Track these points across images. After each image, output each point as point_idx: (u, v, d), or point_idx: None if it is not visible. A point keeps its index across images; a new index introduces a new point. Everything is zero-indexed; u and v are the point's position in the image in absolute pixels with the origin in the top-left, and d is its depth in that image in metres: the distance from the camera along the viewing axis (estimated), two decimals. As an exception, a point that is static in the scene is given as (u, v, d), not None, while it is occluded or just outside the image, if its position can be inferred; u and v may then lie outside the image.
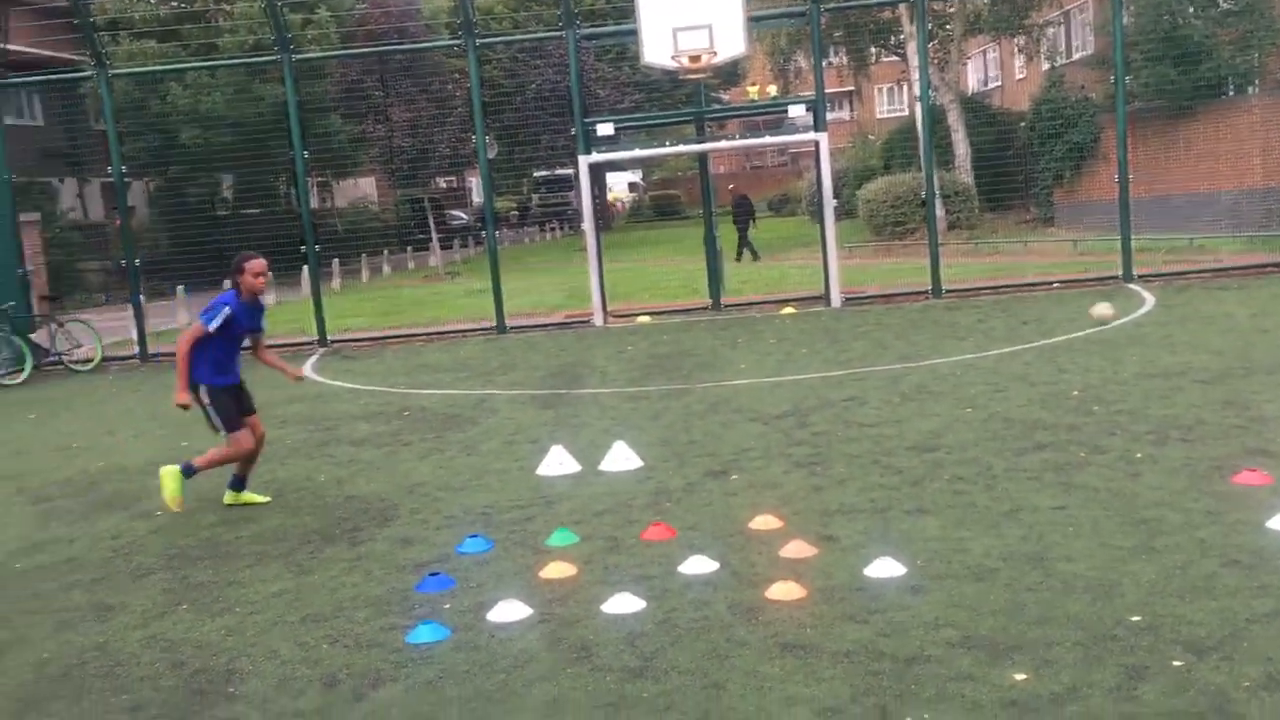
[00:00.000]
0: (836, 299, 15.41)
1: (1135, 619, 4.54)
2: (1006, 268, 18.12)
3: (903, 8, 26.58)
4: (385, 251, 31.78)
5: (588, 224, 15.95)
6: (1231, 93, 22.71)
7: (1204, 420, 7.56)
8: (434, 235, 30.45)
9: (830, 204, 15.40)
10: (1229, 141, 21.36)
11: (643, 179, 65.53)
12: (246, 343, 7.63)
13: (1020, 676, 4.13)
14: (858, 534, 5.93)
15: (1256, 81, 23.21)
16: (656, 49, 14.42)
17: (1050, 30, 32.01)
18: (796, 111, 15.47)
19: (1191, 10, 22.15)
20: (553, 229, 45.78)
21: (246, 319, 7.47)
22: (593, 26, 18.17)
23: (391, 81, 28.61)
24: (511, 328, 16.19)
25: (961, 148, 26.73)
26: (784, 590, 5.17)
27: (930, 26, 26.71)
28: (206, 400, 7.33)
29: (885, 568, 5.33)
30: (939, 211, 26.25)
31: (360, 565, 6.15)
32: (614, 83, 37.81)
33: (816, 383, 10.18)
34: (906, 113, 50.92)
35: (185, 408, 7.27)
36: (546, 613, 5.19)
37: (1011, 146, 25.91)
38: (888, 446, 7.67)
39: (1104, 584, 4.94)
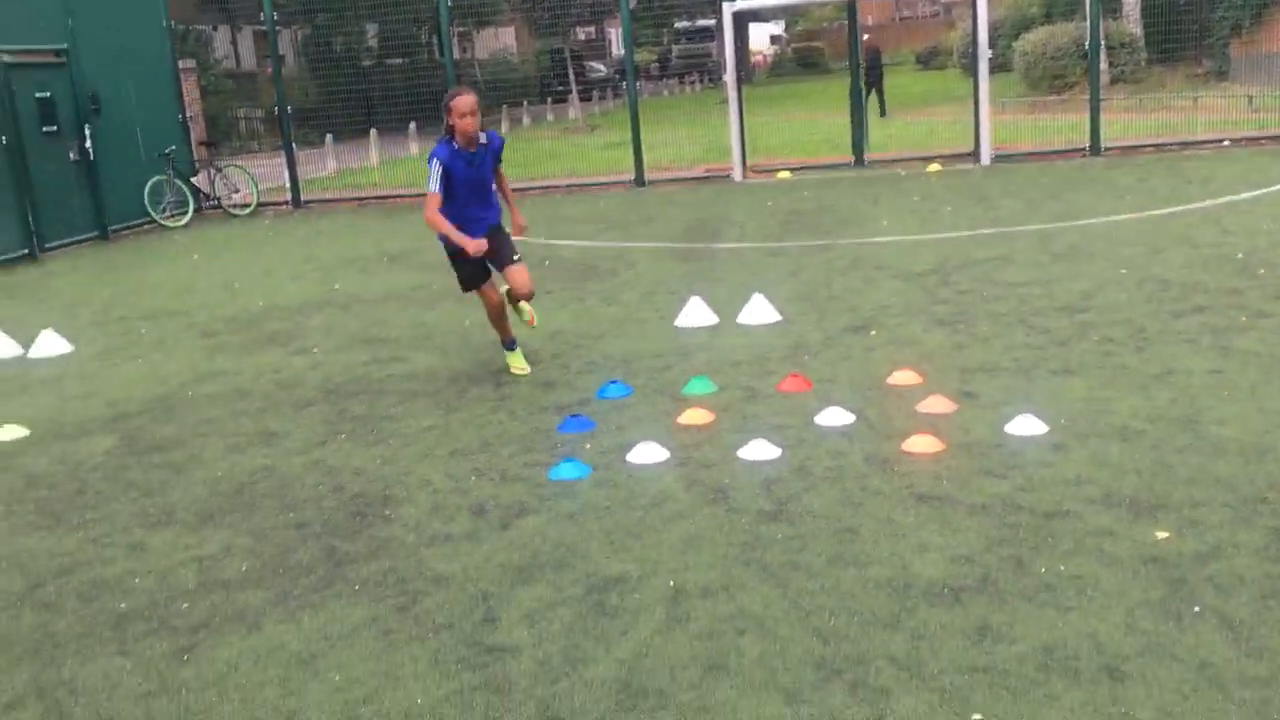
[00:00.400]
0: (987, 156, 14.84)
1: (1289, 484, 4.41)
2: (1173, 125, 17.10)
3: None
4: (525, 103, 31.77)
5: (729, 76, 15.63)
6: None
7: (1381, 286, 7.14)
8: (573, 87, 30.25)
9: (985, 55, 14.69)
10: None
11: (785, 31, 63.46)
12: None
13: (1163, 535, 4.09)
14: (999, 392, 5.86)
15: None
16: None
17: None
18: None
19: None
20: (692, 82, 44.94)
21: (465, 167, 6.48)
22: None
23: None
24: (650, 181, 16.14)
25: (1132, -3, 25.01)
26: (921, 443, 5.18)
27: None
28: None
29: (1026, 425, 5.27)
30: (1102, 64, 24.82)
31: (505, 405, 6.38)
32: (760, -72, 36.36)
33: (962, 241, 9.92)
34: (1071, -42, 47.77)
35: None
36: (684, 456, 5.32)
37: (1187, -7, 24.11)
38: (1035, 306, 7.48)
39: (1258, 447, 4.80)
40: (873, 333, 7.22)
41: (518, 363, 7.03)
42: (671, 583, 4.06)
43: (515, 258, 6.83)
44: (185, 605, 4.22)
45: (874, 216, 11.65)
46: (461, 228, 6.43)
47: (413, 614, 3.99)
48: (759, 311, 7.82)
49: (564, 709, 3.32)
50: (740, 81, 15.88)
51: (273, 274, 11.37)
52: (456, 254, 6.62)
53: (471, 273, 6.78)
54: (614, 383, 6.51)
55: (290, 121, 17.46)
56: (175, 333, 8.99)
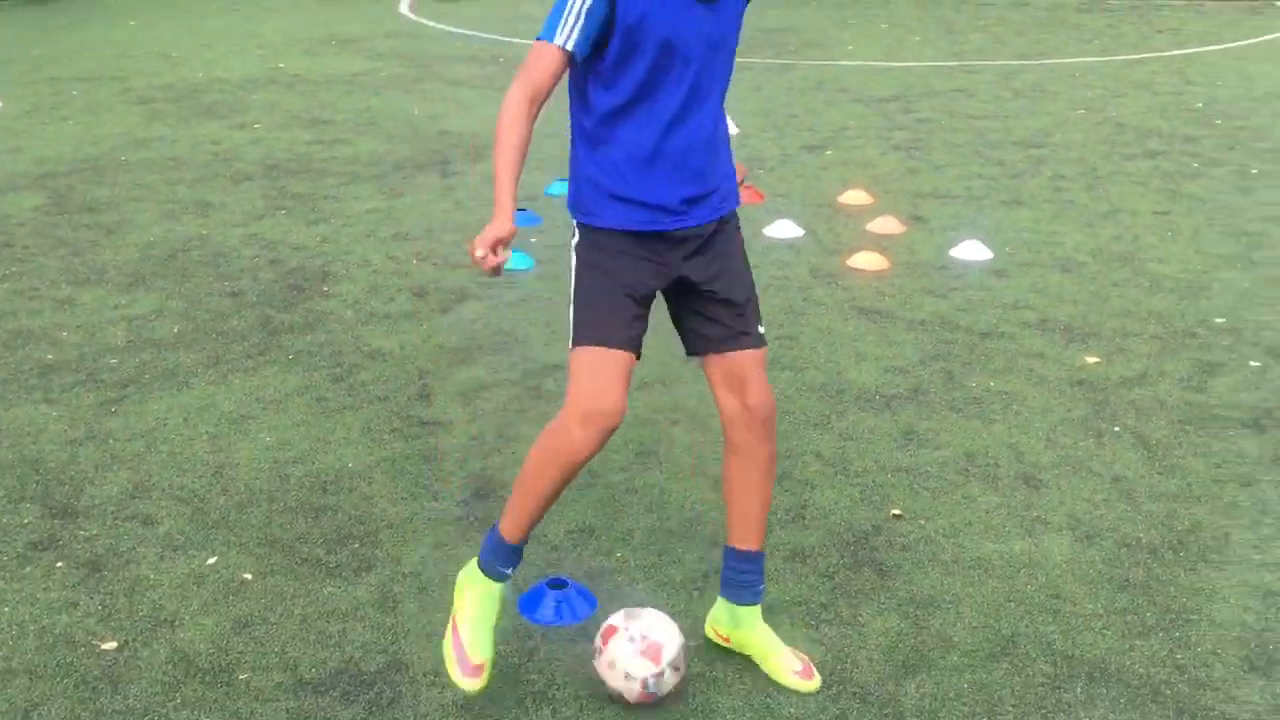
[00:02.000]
0: None
1: (1219, 320, 4.50)
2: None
3: None
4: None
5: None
6: None
7: (1332, 145, 7.18)
8: (540, -117, 28.83)
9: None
10: None
11: None
12: None
13: (1092, 359, 4.17)
14: (948, 217, 5.86)
15: None
16: None
17: None
18: None
19: None
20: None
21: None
22: None
23: None
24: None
25: None
26: (866, 260, 5.19)
27: None
28: None
29: (972, 250, 5.29)
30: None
31: (451, 194, 6.25)
32: None
33: (926, 71, 9.75)
34: None
35: None
36: (630, 255, 5.27)
37: None
38: (992, 139, 7.42)
39: (1193, 286, 4.87)
40: (829, 153, 7.13)
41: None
42: (608, 372, 4.07)
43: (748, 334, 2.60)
44: (114, 360, 4.17)
45: (841, 40, 11.37)
46: (620, 174, 2.46)
47: (347, 385, 3.98)
48: (716, 123, 7.67)
49: (495, 481, 3.36)
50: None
51: (214, 47, 10.88)
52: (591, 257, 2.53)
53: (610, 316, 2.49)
54: (562, 180, 6.35)
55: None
56: (109, 97, 8.62)
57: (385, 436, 3.62)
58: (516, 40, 11.46)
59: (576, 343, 2.45)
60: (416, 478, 3.38)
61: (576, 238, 2.55)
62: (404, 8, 13.87)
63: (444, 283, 4.94)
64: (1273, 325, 4.45)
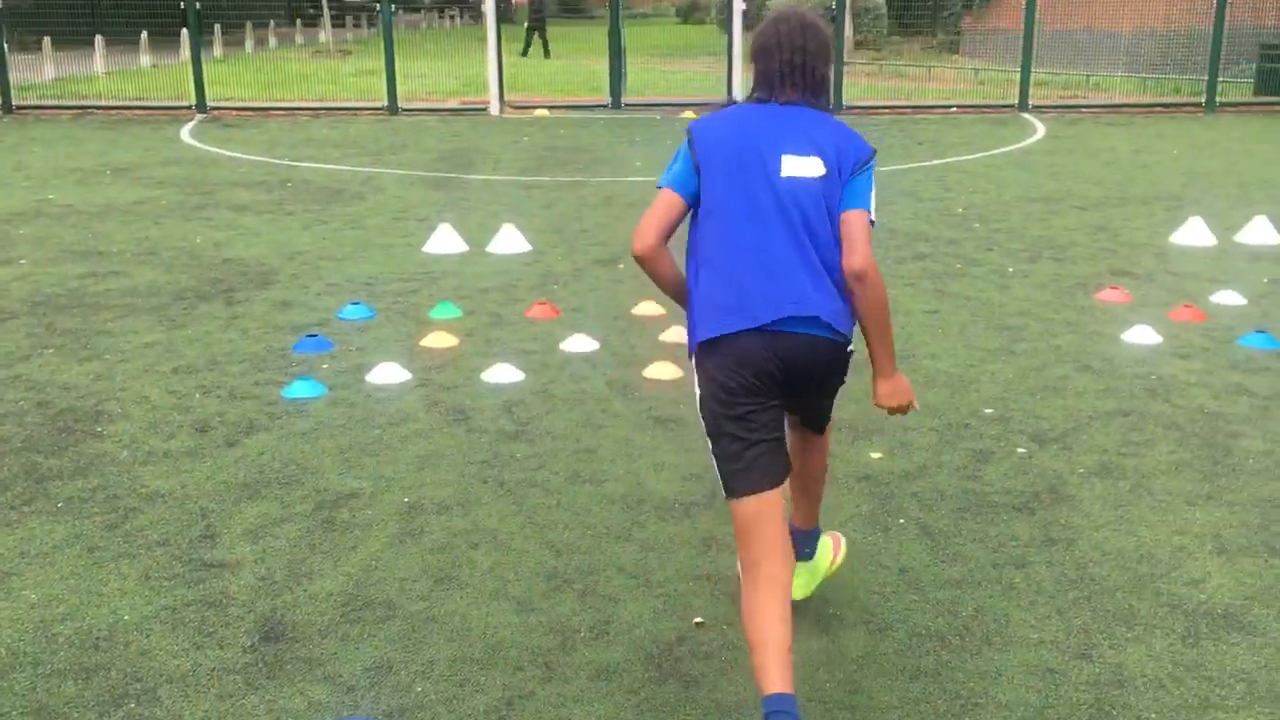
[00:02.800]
0: (737, 106, 15.23)
1: (989, 411, 4.78)
2: (907, 90, 18.12)
3: None
4: (271, 23, 30.13)
5: (488, 9, 15.32)
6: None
7: (1076, 242, 7.82)
8: (326, 10, 28.92)
9: (740, 9, 15.03)
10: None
11: (550, -28, 62.87)
12: None
13: (876, 455, 4.35)
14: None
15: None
16: None
17: None
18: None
19: None
20: (452, 16, 43.91)
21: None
22: None
23: None
24: (404, 110, 15.67)
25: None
26: (661, 370, 5.29)
27: None
28: None
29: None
30: (847, 30, 25.95)
31: (236, 324, 6.06)
32: None
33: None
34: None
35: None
36: (425, 378, 5.22)
37: (926, -32, 25.51)
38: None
39: (964, 380, 5.17)
40: (620, 266, 7.30)
41: None
42: (406, 499, 3.99)
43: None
44: None
45: (628, 157, 11.76)
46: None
47: (122, 531, 3.75)
48: (509, 241, 7.76)
49: (286, 622, 3.21)
50: (499, 18, 15.57)
51: (-24, 181, 10.34)
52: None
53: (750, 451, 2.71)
54: (355, 303, 6.31)
55: (2, 21, 15.84)
56: None
57: (165, 583, 3.41)
58: (304, 164, 11.35)
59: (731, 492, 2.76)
60: (199, 625, 3.19)
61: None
62: (185, 134, 13.56)
63: (229, 416, 4.76)
64: (1035, 413, 4.75)
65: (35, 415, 4.75)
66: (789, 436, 2.98)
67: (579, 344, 5.69)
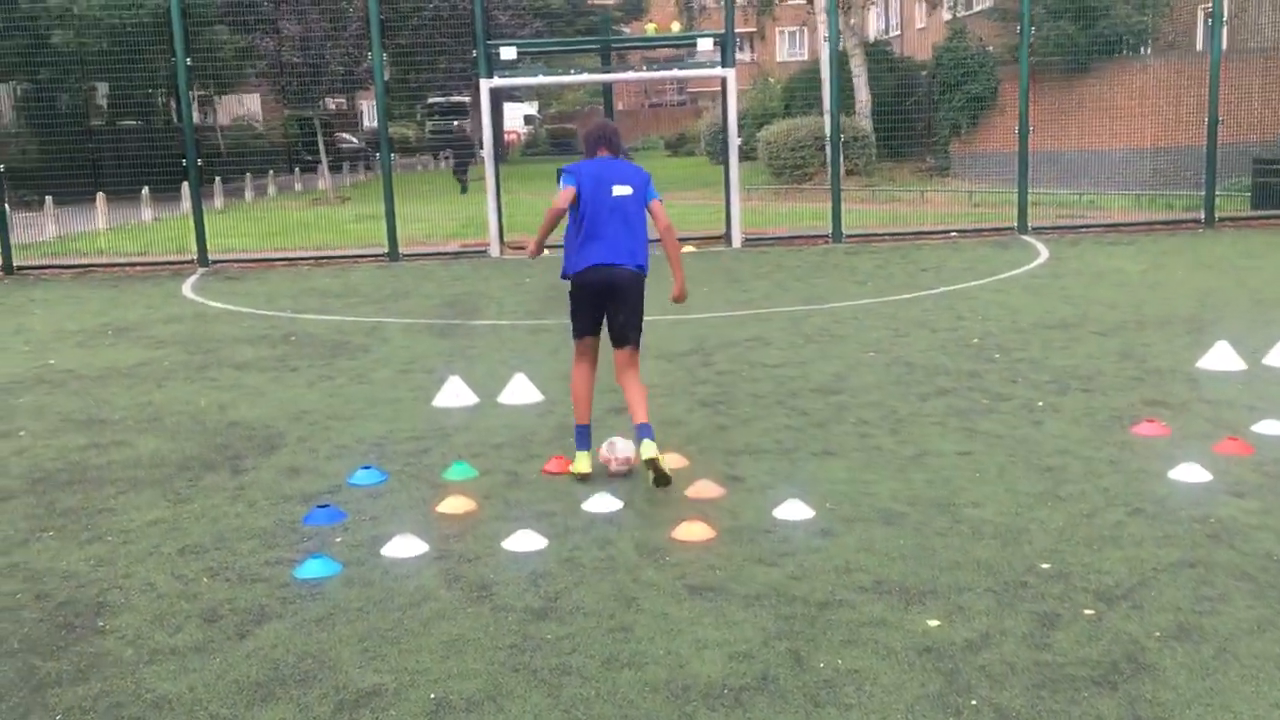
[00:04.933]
0: (738, 239, 15.28)
1: (1045, 566, 4.51)
2: (903, 215, 18.22)
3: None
4: (271, 173, 30.59)
5: (487, 151, 15.47)
6: (1126, 52, 23.12)
7: (1102, 371, 7.64)
8: (324, 158, 29.38)
9: (735, 142, 15.20)
10: (1122, 100, 21.77)
11: (539, 112, 64.41)
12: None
13: (933, 623, 4.06)
14: (764, 475, 5.82)
15: (1149, 42, 23.69)
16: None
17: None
18: (705, 46, 15.15)
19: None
20: (446, 158, 44.76)
21: None
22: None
23: (282, -8, 27.30)
24: (404, 255, 15.68)
25: (863, 94, 26.77)
26: (691, 530, 5.03)
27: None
28: None
29: (793, 510, 5.22)
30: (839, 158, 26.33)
31: (244, 495, 5.81)
32: (514, 9, 36.85)
33: (719, 322, 10.04)
34: (807, 57, 50.95)
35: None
36: (444, 549, 4.96)
37: (912, 95, 26.04)
38: (792, 388, 7.57)
39: (1012, 530, 4.91)
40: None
41: (581, 465, 5.87)
42: (432, 695, 3.69)
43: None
44: None
45: (632, 296, 11.67)
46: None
47: (127, 747, 3.44)
48: (521, 391, 7.57)
49: None
50: (497, 158, 15.71)
51: (-25, 347, 10.20)
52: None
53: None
54: (367, 468, 6.07)
55: (3, 181, 15.97)
56: None
57: (175, 812, 3.10)
58: (306, 316, 11.24)
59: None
60: None
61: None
62: (188, 289, 13.51)
63: (239, 602, 4.47)
64: (1096, 567, 4.48)
65: (33, 610, 4.47)
66: (616, 359, 6.00)
67: (601, 503, 5.44)
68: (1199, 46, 24.42)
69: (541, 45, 18.93)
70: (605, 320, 5.92)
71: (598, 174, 5.77)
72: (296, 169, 32.28)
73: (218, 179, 26.09)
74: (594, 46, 17.15)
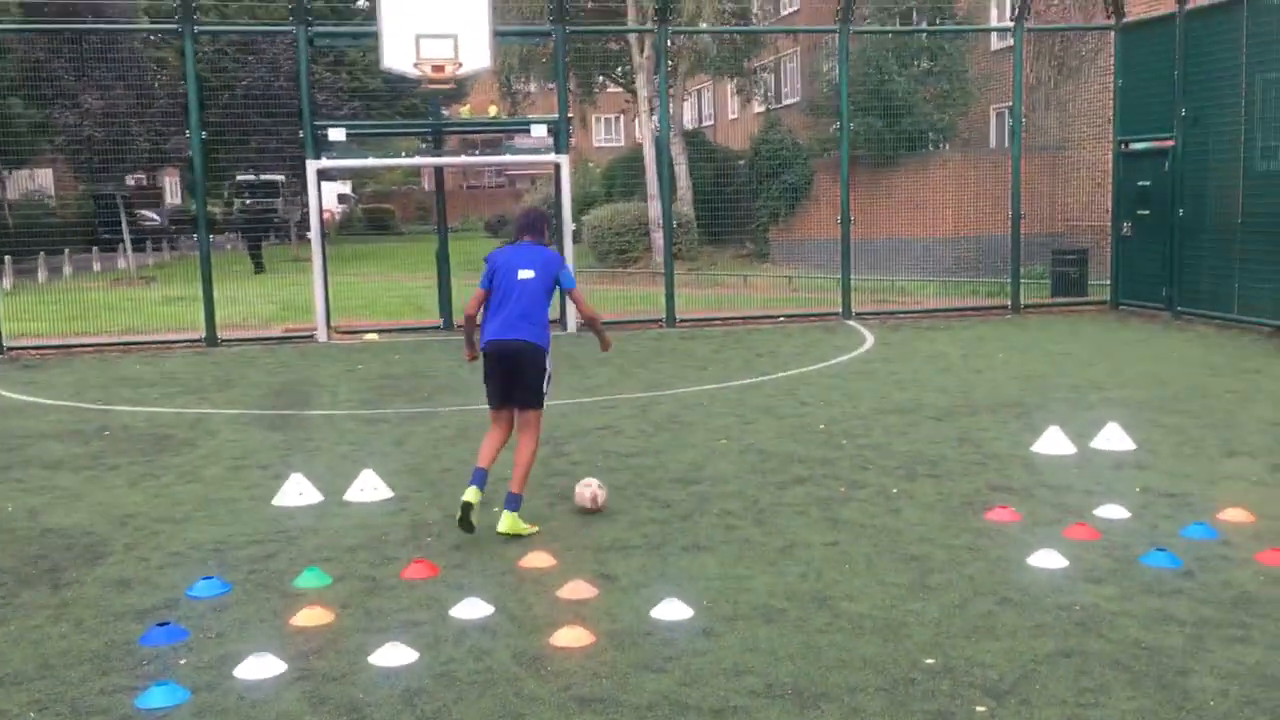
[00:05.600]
0: (573, 324, 15.24)
1: (929, 661, 4.51)
2: (729, 299, 18.61)
3: (632, 39, 27.04)
4: (66, 251, 28.88)
5: (314, 232, 14.99)
6: (929, 147, 24.51)
7: (945, 456, 7.86)
8: (126, 236, 27.95)
9: (570, 227, 15.23)
10: (926, 192, 23.02)
11: (353, 191, 63.42)
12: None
13: (833, 727, 3.98)
14: (636, 572, 5.68)
15: (949, 138, 25.21)
16: (398, 54, 13.77)
17: (766, 75, 33.60)
18: (539, 131, 15.21)
19: (895, 67, 23.73)
20: (243, 237, 43.42)
21: None
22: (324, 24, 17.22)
23: (84, 66, 26.07)
24: (223, 340, 14.96)
25: (683, 181, 27.44)
26: (570, 636, 4.83)
27: (650, 60, 27.31)
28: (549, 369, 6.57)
29: (672, 609, 5.09)
30: (661, 241, 26.84)
31: (68, 613, 5.28)
32: (331, 89, 36.32)
33: (567, 410, 9.91)
34: (624, 143, 52.06)
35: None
36: (305, 667, 4.60)
37: (731, 183, 26.84)
38: (651, 479, 7.49)
39: (890, 624, 4.91)
40: (494, 509, 6.84)
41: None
42: (313, 840, 3.35)
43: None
44: None
45: (472, 383, 11.39)
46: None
47: None
48: (369, 487, 7.22)
49: None
50: (323, 238, 15.21)
51: None
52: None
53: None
54: (207, 578, 5.62)
55: None
56: None
57: None
58: (121, 407, 10.51)
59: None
60: None
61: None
62: (-20, 378, 12.47)
63: (77, 741, 4.01)
64: (978, 660, 4.51)
65: None
66: (515, 420, 6.51)
67: (471, 608, 5.18)
68: (991, 143, 26.15)
69: (373, 127, 18.66)
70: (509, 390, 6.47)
71: (509, 259, 6.45)
72: (94, 248, 30.61)
73: (7, 258, 24.46)
74: (426, 130, 16.98)
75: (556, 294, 6.60)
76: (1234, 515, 6.23)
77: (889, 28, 25.16)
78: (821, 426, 8.93)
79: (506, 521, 6.22)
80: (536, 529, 6.35)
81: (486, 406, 6.66)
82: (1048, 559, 5.60)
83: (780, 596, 5.29)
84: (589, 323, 6.79)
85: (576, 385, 11.15)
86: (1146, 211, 15.48)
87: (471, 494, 6.17)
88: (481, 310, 6.51)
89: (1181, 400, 9.58)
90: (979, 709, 4.10)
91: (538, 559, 5.85)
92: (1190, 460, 7.53)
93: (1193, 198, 14.60)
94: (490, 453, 6.40)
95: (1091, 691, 4.20)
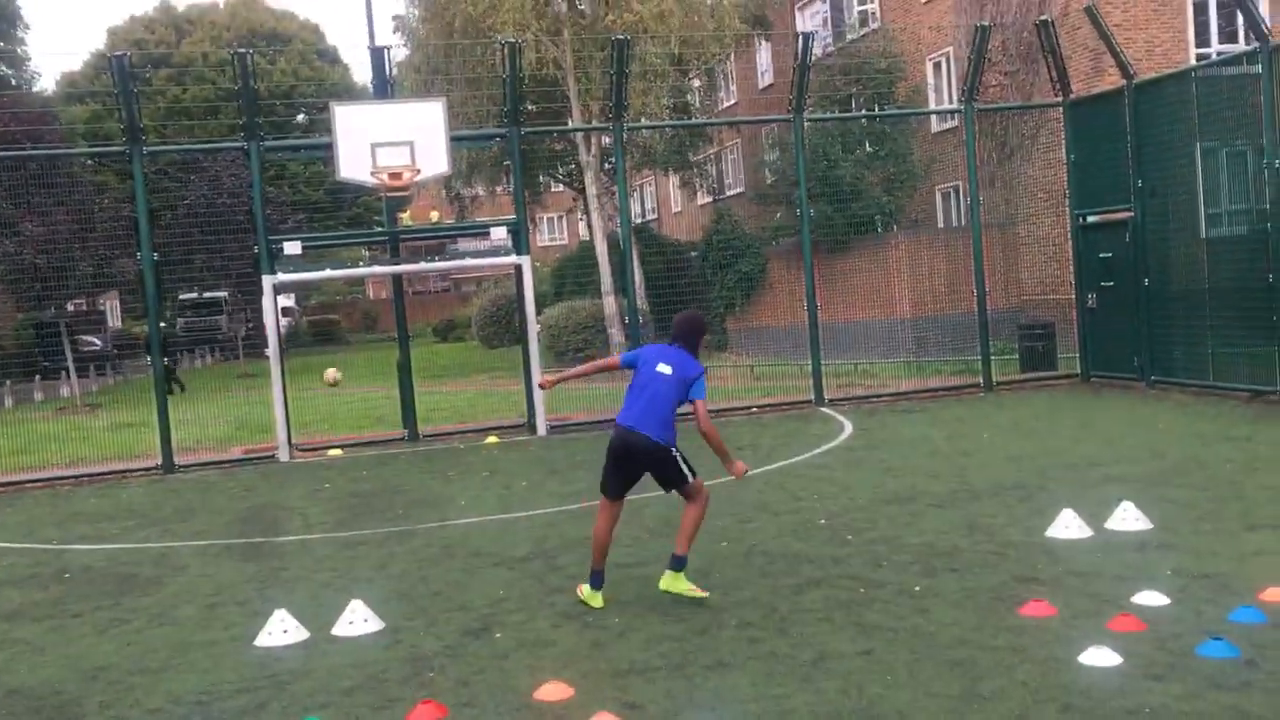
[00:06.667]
0: (543, 426, 14.86)
1: (1005, 782, 4.14)
2: (695, 393, 18.33)
3: (579, 139, 27.17)
4: (8, 383, 28.03)
5: (272, 348, 14.55)
6: (880, 230, 24.70)
7: (960, 547, 7.55)
8: (71, 363, 27.20)
9: (534, 327, 14.96)
10: (880, 274, 23.11)
11: (297, 303, 62.88)
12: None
13: None
14: (663, 698, 5.27)
15: (898, 220, 25.44)
16: (353, 164, 13.55)
17: (710, 168, 33.96)
18: (499, 234, 14.99)
19: (841, 152, 24.00)
20: (202, 355, 42.64)
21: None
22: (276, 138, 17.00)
23: (22, 192, 25.61)
24: (180, 466, 14.35)
25: (636, 275, 27.38)
26: (607, 779, 4.41)
27: (597, 157, 27.44)
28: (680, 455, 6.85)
29: (712, 741, 4.69)
30: (620, 337, 26.63)
31: (43, 790, 4.74)
32: (275, 202, 36.11)
33: (553, 519, 9.49)
34: (567, 241, 52.25)
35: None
36: (318, 838, 4.11)
37: (684, 275, 26.81)
38: (657, 589, 7.08)
39: (949, 741, 4.54)
40: (497, 635, 6.41)
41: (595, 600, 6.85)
42: None
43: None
44: None
45: (448, 495, 10.96)
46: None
47: None
48: (358, 619, 6.74)
49: None
50: (280, 353, 14.78)
51: None
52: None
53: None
54: (195, 737, 5.12)
55: None
56: None
57: None
58: (78, 546, 9.91)
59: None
60: None
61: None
62: (-77, 522, 11.76)
63: None
64: (1063, 778, 4.15)
65: None
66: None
67: (490, 754, 4.74)
68: (940, 223, 26.44)
69: (330, 239, 18.34)
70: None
71: (655, 354, 6.82)
72: (36, 376, 29.75)
73: (-55, 391, 23.63)
74: (382, 238, 16.72)
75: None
76: (1276, 595, 5.96)
77: (839, 114, 25.50)
78: (823, 521, 8.61)
79: (669, 579, 6.74)
80: (706, 595, 6.71)
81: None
82: (1100, 656, 5.28)
83: (824, 717, 4.90)
84: (708, 441, 6.78)
85: (558, 492, 10.75)
86: (1111, 283, 15.54)
87: (595, 598, 6.79)
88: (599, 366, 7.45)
89: (1183, 473, 9.40)
90: (1076, 837, 3.73)
91: (553, 690, 5.42)
92: (1213, 537, 7.29)
93: (1157, 267, 14.70)
94: (600, 548, 6.82)
95: (1192, 807, 3.85)
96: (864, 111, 25.59)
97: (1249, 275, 13.05)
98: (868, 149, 24.83)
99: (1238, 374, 13.37)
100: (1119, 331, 15.38)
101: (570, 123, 25.97)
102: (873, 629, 6.03)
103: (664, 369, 6.68)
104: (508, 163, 26.34)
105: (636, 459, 6.73)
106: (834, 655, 5.68)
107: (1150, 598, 6.09)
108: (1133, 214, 14.92)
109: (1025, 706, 4.85)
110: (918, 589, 6.68)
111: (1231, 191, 13.49)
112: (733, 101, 36.47)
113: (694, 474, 6.80)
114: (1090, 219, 15.92)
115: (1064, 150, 16.88)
